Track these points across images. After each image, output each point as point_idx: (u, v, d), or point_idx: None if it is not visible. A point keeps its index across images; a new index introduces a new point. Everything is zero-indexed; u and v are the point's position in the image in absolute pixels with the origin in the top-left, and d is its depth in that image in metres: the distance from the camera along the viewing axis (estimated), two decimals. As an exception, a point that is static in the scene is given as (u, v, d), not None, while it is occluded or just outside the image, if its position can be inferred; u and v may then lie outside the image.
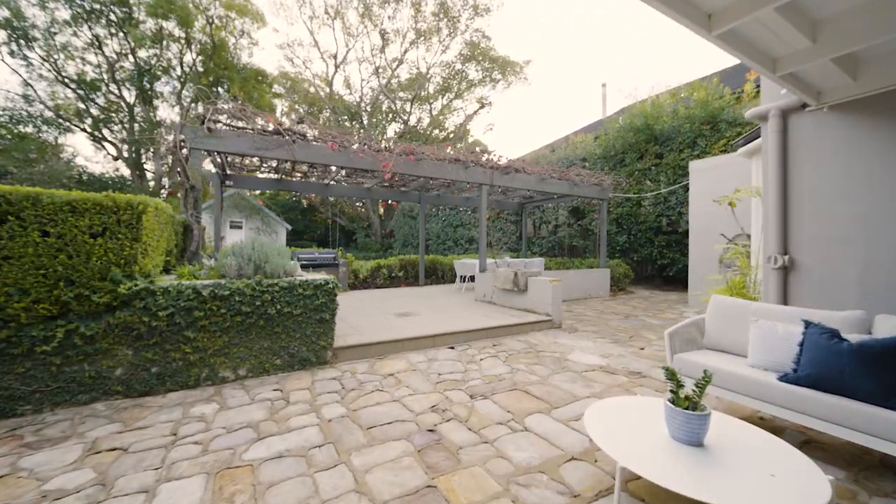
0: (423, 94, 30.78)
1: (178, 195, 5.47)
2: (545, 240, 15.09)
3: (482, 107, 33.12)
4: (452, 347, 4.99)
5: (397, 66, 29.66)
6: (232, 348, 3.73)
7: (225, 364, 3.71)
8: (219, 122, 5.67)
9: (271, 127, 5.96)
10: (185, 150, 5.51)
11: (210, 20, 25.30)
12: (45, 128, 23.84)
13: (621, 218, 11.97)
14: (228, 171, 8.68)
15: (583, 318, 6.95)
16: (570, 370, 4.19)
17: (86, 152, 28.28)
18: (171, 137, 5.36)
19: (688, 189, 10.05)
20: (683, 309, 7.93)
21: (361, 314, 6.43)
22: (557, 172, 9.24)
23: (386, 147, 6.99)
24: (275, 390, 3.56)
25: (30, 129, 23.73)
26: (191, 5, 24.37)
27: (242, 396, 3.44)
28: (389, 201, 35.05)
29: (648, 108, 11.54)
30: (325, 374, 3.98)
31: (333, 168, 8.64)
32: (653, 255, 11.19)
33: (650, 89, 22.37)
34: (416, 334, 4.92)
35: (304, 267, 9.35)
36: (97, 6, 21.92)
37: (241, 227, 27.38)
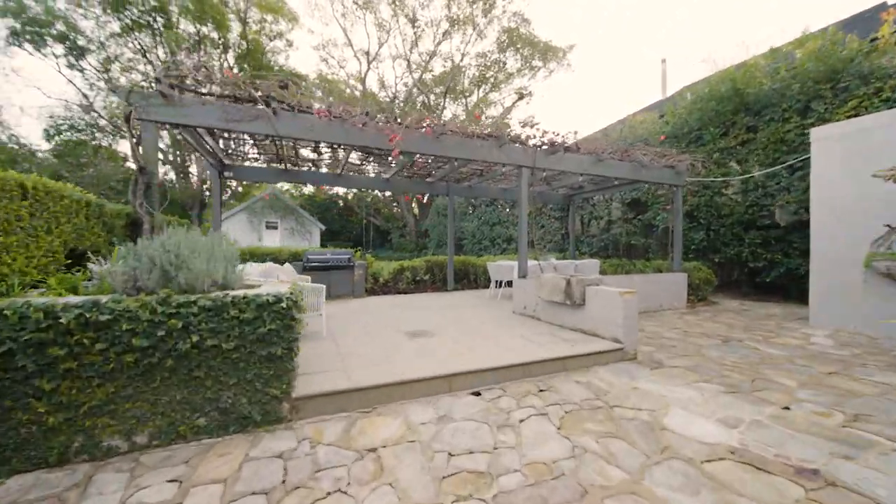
0: (457, 87, 29.30)
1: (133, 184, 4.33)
2: (596, 238, 12.95)
3: (521, 98, 31.01)
4: (477, 393, 3.36)
5: (430, 60, 28.38)
6: (122, 403, 2.37)
7: (112, 427, 2.35)
8: (180, 87, 4.46)
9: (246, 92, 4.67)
10: (137, 123, 4.35)
11: (244, 21, 25.48)
12: (98, 134, 25.17)
13: (696, 210, 9.66)
14: (226, 161, 7.64)
15: (663, 343, 5.03)
16: (678, 456, 2.41)
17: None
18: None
19: (797, 169, 7.65)
20: (806, 331, 5.70)
21: (364, 332, 4.98)
22: (618, 152, 7.28)
23: (396, 118, 5.50)
24: (171, 481, 2.15)
25: (85, 136, 25.18)
26: (228, 11, 24.67)
27: (116, 486, 2.06)
28: (424, 198, 33.97)
29: (736, 74, 9.15)
30: (270, 445, 2.52)
31: (341, 154, 7.30)
32: (742, 256, 8.81)
33: (730, 58, 19.18)
34: (423, 374, 3.34)
35: (314, 269, 8.14)
36: (144, 18, 22.58)
37: (276, 228, 27.43)
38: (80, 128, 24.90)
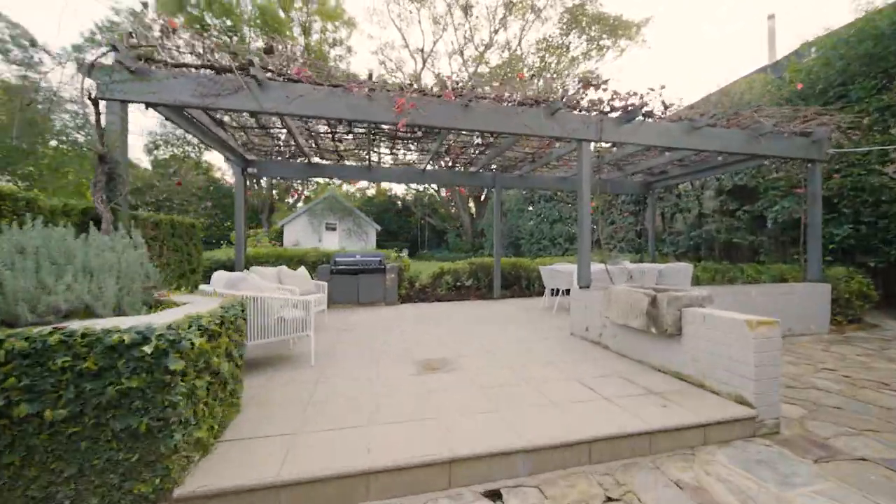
0: (515, 78, 27.47)
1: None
2: (682, 236, 10.54)
3: (588, 86, 28.17)
4: (496, 495, 2.00)
5: (485, 51, 26.94)
6: None
7: None
8: (150, 58, 3.73)
9: (224, 61, 3.82)
10: (102, 103, 3.70)
11: (308, 31, 26.43)
12: (188, 148, 27.94)
13: (838, 195, 7.05)
14: (248, 156, 7.10)
15: (818, 399, 3.14)
16: None
17: (224, 167, 33.00)
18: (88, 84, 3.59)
19: None
20: None
21: (365, 358, 3.85)
22: (723, 117, 5.30)
23: (412, 85, 4.30)
24: None
25: (178, 151, 28.11)
26: (293, 22, 25.79)
27: None
28: (482, 196, 32.66)
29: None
30: None
31: (351, 134, 6.32)
32: (917, 260, 6.12)
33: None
34: (408, 457, 2.07)
35: (341, 273, 7.31)
36: (221, 38, 24.43)
37: (335, 230, 28.12)
38: (173, 143, 27.91)
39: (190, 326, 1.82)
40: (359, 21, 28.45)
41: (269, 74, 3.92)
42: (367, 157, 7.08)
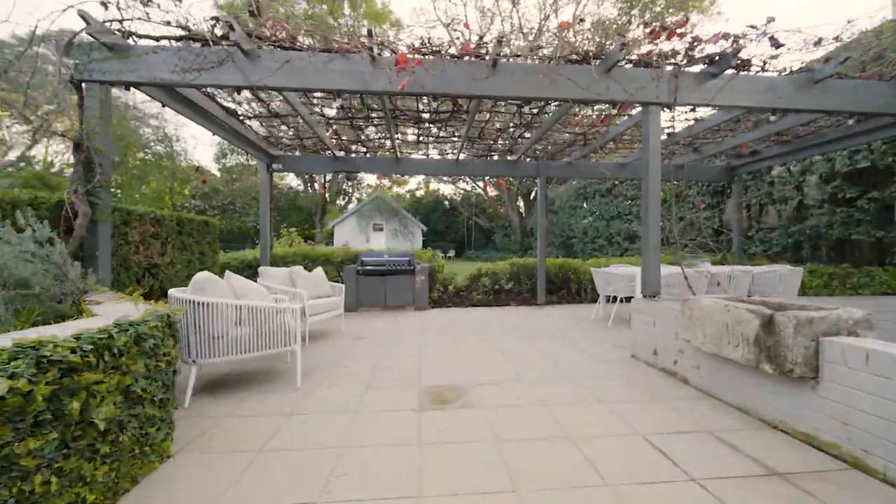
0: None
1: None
2: (775, 232, 8.61)
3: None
4: None
5: (538, 37, 25.42)
6: None
7: None
8: (127, 32, 3.34)
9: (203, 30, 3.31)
10: (83, 85, 3.37)
11: (355, 33, 26.85)
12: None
13: None
14: (273, 152, 6.79)
15: None
16: None
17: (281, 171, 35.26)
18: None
19: None
20: None
21: (362, 383, 3.11)
22: (858, 62, 3.84)
23: (429, 42, 3.51)
24: None
25: (243, 158, 30.10)
26: (339, 26, 26.37)
27: None
28: (532, 193, 31.11)
29: None
30: None
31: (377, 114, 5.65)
32: None
33: None
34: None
35: (368, 274, 6.76)
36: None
37: (382, 230, 28.33)
38: (238, 151, 30.00)
39: (10, 361, 1.17)
40: (405, 22, 28.38)
41: (256, 43, 3.36)
42: (393, 148, 6.42)
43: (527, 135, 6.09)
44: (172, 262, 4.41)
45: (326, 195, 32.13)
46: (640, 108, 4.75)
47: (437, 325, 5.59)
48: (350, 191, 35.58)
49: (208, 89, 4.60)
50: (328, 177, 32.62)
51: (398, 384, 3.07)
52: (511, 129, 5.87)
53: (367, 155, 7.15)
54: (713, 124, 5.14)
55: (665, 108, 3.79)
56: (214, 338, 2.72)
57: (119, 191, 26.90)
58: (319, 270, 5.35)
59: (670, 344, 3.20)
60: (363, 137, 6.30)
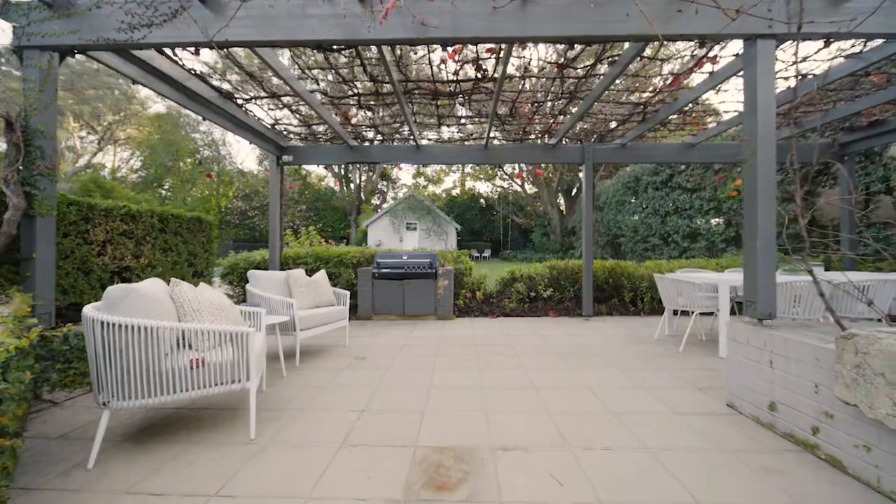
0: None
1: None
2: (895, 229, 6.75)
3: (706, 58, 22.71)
4: None
5: None
6: None
7: None
8: (69, -16, 2.72)
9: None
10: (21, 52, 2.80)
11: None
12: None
13: None
14: (283, 143, 6.18)
15: None
16: None
17: (320, 172, 35.98)
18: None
19: None
20: None
21: (347, 425, 2.26)
22: None
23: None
24: None
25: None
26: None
27: None
28: (573, 190, 29.24)
29: None
30: None
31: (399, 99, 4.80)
32: None
33: None
34: None
35: (383, 278, 6.00)
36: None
37: (415, 230, 27.79)
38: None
39: None
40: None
41: (214, -15, 2.62)
42: (411, 133, 5.57)
43: (572, 109, 4.99)
44: (152, 264, 3.84)
45: (361, 195, 32.23)
46: (729, 58, 3.53)
47: (458, 341, 4.66)
48: (385, 190, 35.51)
49: (195, 68, 3.99)
50: (363, 177, 32.72)
51: (386, 440, 2.18)
52: (549, 103, 4.80)
53: (385, 143, 6.35)
54: (836, 78, 3.76)
55: (779, 43, 2.59)
56: (130, 372, 1.98)
57: (170, 193, 28.54)
58: (322, 275, 4.62)
59: (805, 399, 2.04)
60: (378, 122, 5.50)
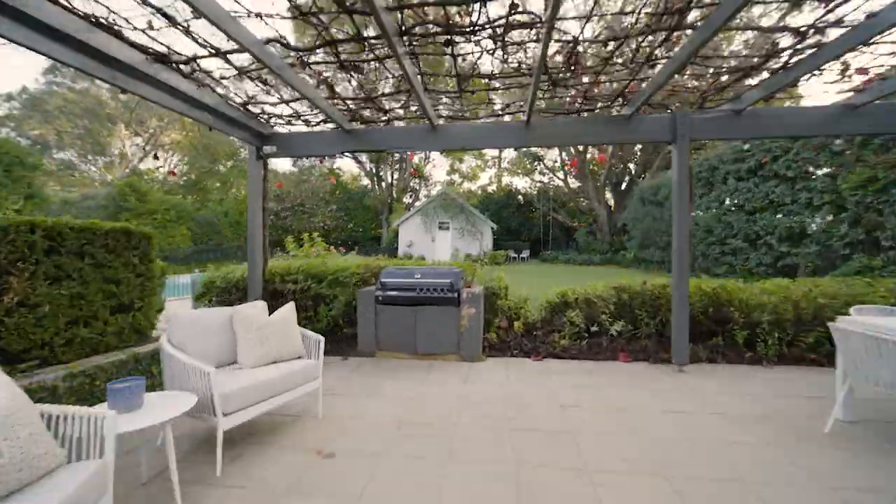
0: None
1: None
2: None
3: None
4: None
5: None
6: None
7: None
8: None
9: None
10: None
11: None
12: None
13: None
14: (264, 131, 4.84)
15: None
16: None
17: (353, 170, 35.46)
18: None
19: None
20: None
21: None
22: None
23: None
24: None
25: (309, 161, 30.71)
26: None
27: None
28: (623, 183, 26.42)
29: None
30: None
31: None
32: None
33: None
34: None
35: (389, 302, 4.53)
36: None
37: (448, 229, 26.23)
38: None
39: None
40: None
41: None
42: (418, 99, 3.98)
43: (659, 59, 3.18)
44: (30, 303, 2.57)
45: (393, 193, 31.23)
46: None
47: (485, 413, 3.04)
48: (417, 188, 34.29)
49: (98, 14, 2.68)
50: (395, 175, 31.67)
51: None
52: (632, 43, 3.03)
53: (391, 125, 4.83)
54: None
55: None
56: None
57: (210, 196, 29.08)
58: (288, 312, 3.17)
59: None
60: (374, 92, 3.98)
